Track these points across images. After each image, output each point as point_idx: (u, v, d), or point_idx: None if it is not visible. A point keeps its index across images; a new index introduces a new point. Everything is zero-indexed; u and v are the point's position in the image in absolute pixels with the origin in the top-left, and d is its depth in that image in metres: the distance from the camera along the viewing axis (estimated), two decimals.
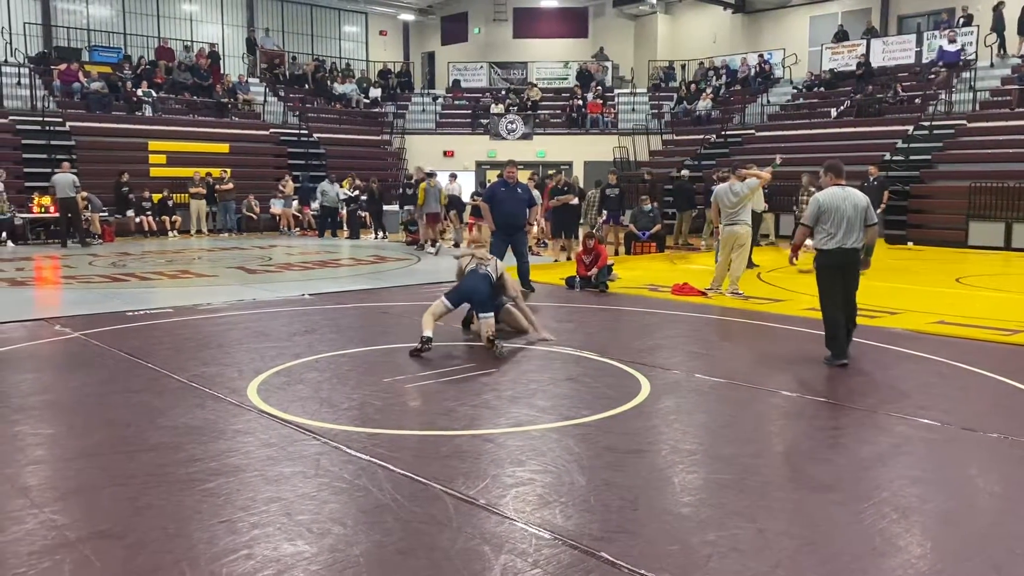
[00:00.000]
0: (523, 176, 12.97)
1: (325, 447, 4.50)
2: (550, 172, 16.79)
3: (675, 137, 25.96)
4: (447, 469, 4.16)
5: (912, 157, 19.90)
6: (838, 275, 6.68)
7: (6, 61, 22.20)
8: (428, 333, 6.87)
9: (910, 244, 17.92)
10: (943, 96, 21.30)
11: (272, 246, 17.50)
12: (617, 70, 29.87)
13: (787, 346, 7.54)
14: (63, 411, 5.31)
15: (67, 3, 25.69)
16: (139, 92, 22.36)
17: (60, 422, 5.06)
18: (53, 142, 20.05)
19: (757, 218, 13.41)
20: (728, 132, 24.54)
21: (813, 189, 14.90)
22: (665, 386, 5.92)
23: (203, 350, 7.04)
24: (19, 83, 21.29)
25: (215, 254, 15.77)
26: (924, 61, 23.06)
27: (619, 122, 26.83)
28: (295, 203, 21.56)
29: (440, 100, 28.79)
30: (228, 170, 21.10)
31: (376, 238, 19.50)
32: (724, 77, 27.12)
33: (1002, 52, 21.95)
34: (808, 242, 7.04)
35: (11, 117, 20.06)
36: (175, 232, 19.80)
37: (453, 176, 21.01)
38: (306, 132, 24.72)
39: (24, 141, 19.69)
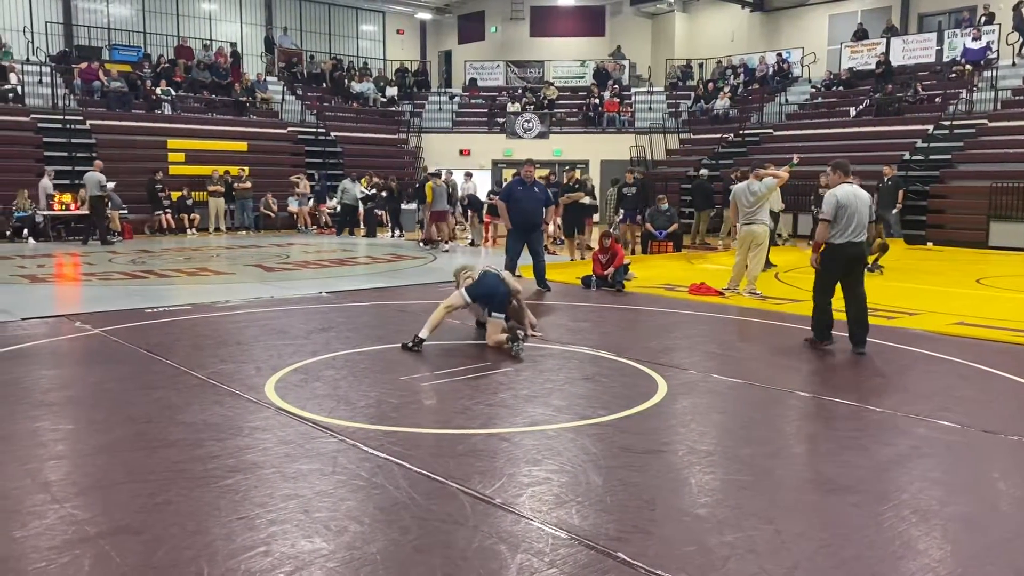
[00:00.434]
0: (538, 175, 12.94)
1: (342, 445, 4.52)
2: (566, 169, 16.76)
3: (692, 136, 25.86)
4: (463, 467, 4.17)
5: (932, 157, 19.74)
6: (843, 268, 7.10)
7: (28, 60, 22.44)
8: (424, 334, 6.90)
9: (929, 244, 17.77)
10: (964, 95, 21.09)
11: (289, 244, 17.58)
12: (634, 69, 29.79)
13: (804, 347, 7.48)
14: (83, 407, 5.36)
15: (88, 2, 25.92)
16: (158, 91, 22.52)
17: (80, 418, 5.11)
18: (74, 140, 20.24)
19: (774, 217, 13.34)
20: (746, 131, 24.43)
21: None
22: (682, 386, 5.90)
23: (221, 347, 7.08)
24: (40, 82, 21.50)
25: (233, 252, 15.87)
26: (945, 60, 22.85)
27: (636, 121, 26.77)
28: (311, 201, 21.66)
29: (457, 99, 28.83)
30: (246, 168, 21.23)
31: (393, 236, 19.55)
32: (742, 76, 27.00)
33: (1023, 51, 21.72)
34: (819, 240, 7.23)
35: (32, 115, 20.26)
36: (193, 230, 19.94)
37: (468, 175, 21.05)
38: (323, 131, 24.83)
39: (45, 139, 19.88)
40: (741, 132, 24.44)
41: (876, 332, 7.96)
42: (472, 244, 17.80)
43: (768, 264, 12.25)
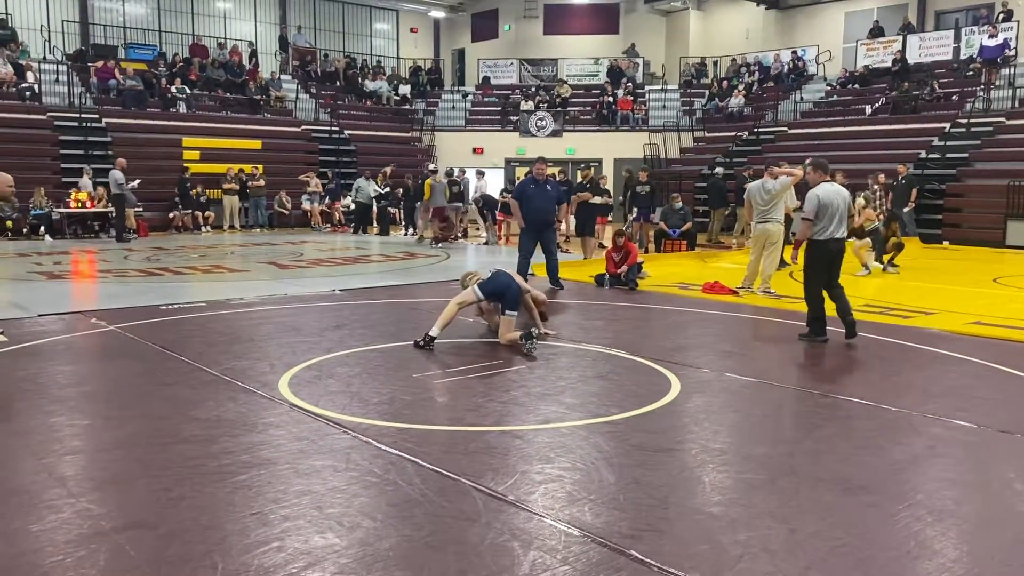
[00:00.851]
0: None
1: (355, 441, 4.53)
2: (580, 167, 16.72)
3: (706, 134, 25.77)
4: (476, 465, 4.17)
5: (949, 155, 19.59)
6: (827, 264, 7.44)
7: (44, 59, 22.61)
8: (435, 332, 6.91)
9: (946, 244, 17.64)
10: (981, 93, 20.91)
11: (303, 242, 17.64)
12: (648, 67, 29.70)
13: (818, 345, 7.44)
14: (99, 402, 5.40)
15: (104, 1, 26.09)
16: (173, 89, 22.64)
17: (96, 413, 5.14)
18: (90, 138, 20.38)
19: (789, 216, 13.25)
20: (760, 129, 24.32)
21: (876, 187, 14.77)
22: (695, 385, 5.88)
23: (235, 344, 7.12)
24: (57, 80, 21.65)
25: (247, 249, 15.94)
26: (962, 57, 22.66)
27: (650, 119, 26.68)
28: (323, 199, 21.72)
29: (470, 97, 28.83)
30: (260, 166, 21.32)
31: (406, 235, 19.58)
32: (756, 74, 26.87)
33: None
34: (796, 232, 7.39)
35: (49, 114, 20.42)
36: (208, 228, 20.04)
37: (481, 173, 21.07)
38: (337, 129, 24.89)
39: (62, 137, 20.03)
40: (756, 130, 24.33)
41: (892, 331, 7.93)
42: (487, 243, 17.82)
43: (783, 263, 12.18)
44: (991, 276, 12.48)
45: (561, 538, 3.35)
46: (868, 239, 12.52)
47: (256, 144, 22.54)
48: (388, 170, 20.79)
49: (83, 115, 20.73)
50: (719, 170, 19.54)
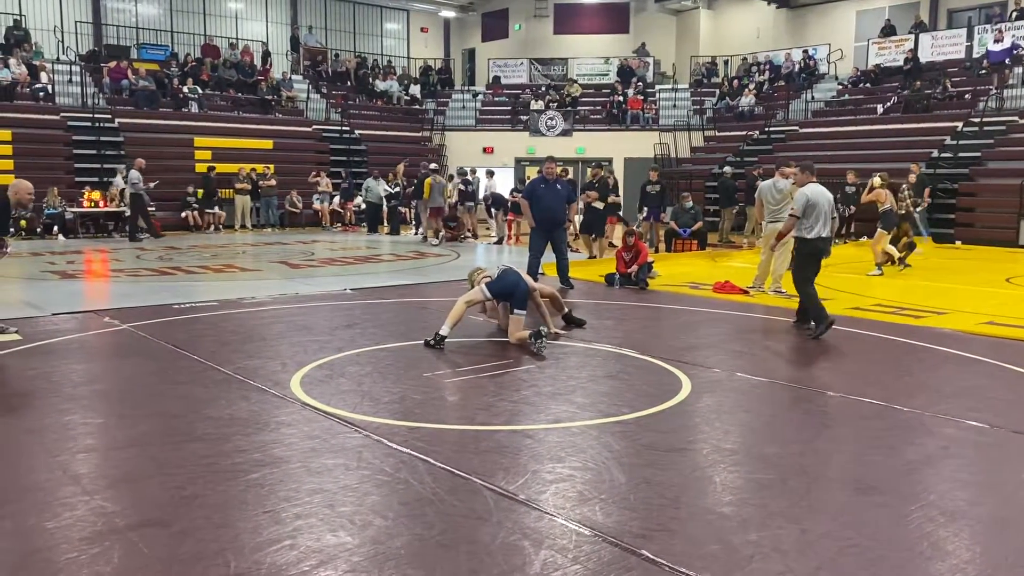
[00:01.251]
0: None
1: (367, 440, 4.54)
2: (591, 165, 16.69)
3: (717, 133, 25.70)
4: (487, 464, 4.18)
5: (961, 154, 19.47)
6: (816, 260, 7.89)
7: (58, 59, 22.75)
8: (445, 331, 6.92)
9: (958, 243, 17.54)
10: (994, 91, 20.78)
11: (314, 241, 17.69)
12: (658, 66, 29.64)
13: (830, 345, 7.42)
14: (112, 401, 5.44)
15: (117, 2, 26.23)
16: (185, 89, 22.73)
17: (109, 412, 5.17)
18: (103, 138, 20.49)
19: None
20: (771, 128, 24.23)
21: (904, 186, 14.71)
22: (706, 384, 5.87)
23: (247, 343, 7.15)
24: (70, 81, 21.78)
25: (258, 249, 16.00)
26: (975, 56, 22.53)
27: (660, 118, 26.63)
28: (334, 199, 21.78)
29: (480, 96, 28.84)
30: (271, 166, 21.39)
31: (416, 234, 19.61)
32: (767, 73, 26.77)
33: None
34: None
35: (63, 114, 20.54)
36: (219, 227, 20.12)
37: (491, 173, 21.08)
38: (348, 128, 24.95)
39: (75, 137, 20.15)
40: (767, 129, 24.25)
41: (904, 331, 7.90)
42: (498, 242, 17.83)
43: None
44: (1004, 276, 12.40)
45: (572, 538, 3.36)
46: (883, 230, 12.43)
47: (267, 144, 22.62)
48: (400, 168, 20.82)
49: (96, 115, 20.84)
50: (728, 169, 19.48)
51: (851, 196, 17.68)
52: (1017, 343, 7.44)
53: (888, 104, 22.59)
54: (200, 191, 20.12)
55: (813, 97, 24.85)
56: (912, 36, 23.82)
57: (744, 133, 24.60)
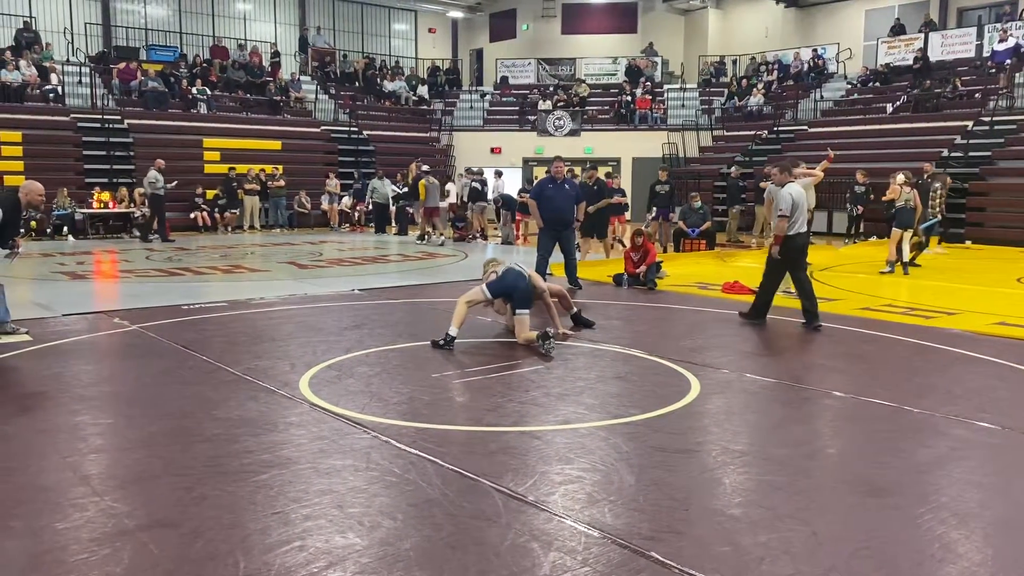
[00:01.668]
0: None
1: (375, 441, 4.55)
2: (587, 166, 16.65)
3: (725, 133, 25.64)
4: (496, 465, 4.17)
5: (971, 153, 19.37)
6: (794, 257, 8.11)
7: (68, 61, 22.85)
8: (453, 332, 6.92)
9: (968, 243, 17.45)
10: (1003, 91, 20.67)
11: (322, 242, 17.73)
12: (666, 65, 29.59)
13: (840, 346, 7.39)
14: (122, 402, 5.45)
15: (126, 4, 26.32)
16: (194, 90, 22.81)
17: (119, 412, 5.19)
18: (112, 139, 20.58)
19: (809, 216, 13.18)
20: (780, 128, 24.16)
21: (938, 185, 14.71)
22: (715, 385, 5.85)
23: (256, 343, 7.16)
24: (80, 82, 21.88)
25: (267, 249, 16.03)
26: (985, 54, 22.42)
27: (668, 118, 26.57)
28: (345, 199, 21.82)
29: (488, 97, 28.85)
30: (280, 167, 21.44)
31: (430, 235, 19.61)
32: (776, 72, 26.69)
33: None
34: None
35: (72, 115, 20.64)
36: (228, 228, 20.17)
37: (499, 173, 21.08)
38: (356, 129, 24.99)
39: (84, 138, 20.24)
40: (775, 129, 24.18)
41: (914, 332, 7.86)
42: (505, 242, 17.82)
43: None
44: (1015, 276, 12.33)
45: (581, 539, 3.35)
46: (898, 228, 12.40)
47: (276, 145, 22.67)
48: (413, 167, 20.83)
49: (105, 116, 20.93)
50: (735, 168, 19.44)
51: (860, 196, 17.63)
52: None
53: (898, 103, 22.49)
54: (209, 191, 20.17)
55: (822, 96, 24.77)
56: (922, 35, 23.72)
57: (753, 133, 24.54)
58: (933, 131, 20.59)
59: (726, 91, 26.98)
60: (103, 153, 20.25)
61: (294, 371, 6.12)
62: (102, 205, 18.49)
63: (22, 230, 9.95)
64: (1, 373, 6.16)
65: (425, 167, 19.01)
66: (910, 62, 23.38)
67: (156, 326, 7.80)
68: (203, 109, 22.75)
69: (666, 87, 28.13)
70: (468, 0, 31.45)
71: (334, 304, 9.37)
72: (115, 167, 20.06)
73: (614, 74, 29.18)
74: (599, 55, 29.88)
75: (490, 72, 31.32)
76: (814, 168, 10.51)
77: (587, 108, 27.17)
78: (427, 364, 6.41)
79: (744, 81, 26.82)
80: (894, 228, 12.49)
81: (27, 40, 22.08)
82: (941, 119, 20.99)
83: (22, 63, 20.74)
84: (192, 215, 19.80)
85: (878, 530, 3.47)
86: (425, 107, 27.85)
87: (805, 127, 23.65)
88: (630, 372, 6.27)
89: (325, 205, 21.54)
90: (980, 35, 22.93)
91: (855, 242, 17.48)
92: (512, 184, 21.65)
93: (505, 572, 3.07)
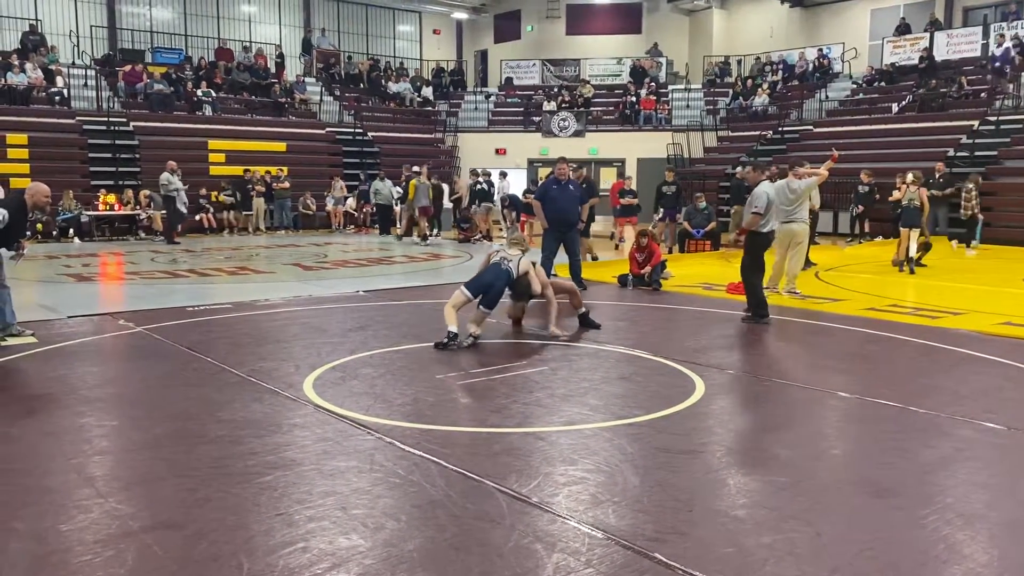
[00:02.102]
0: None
1: (379, 442, 4.55)
2: (573, 167, 16.61)
3: (730, 133, 25.59)
4: (500, 466, 4.17)
5: (978, 153, 19.31)
6: (758, 253, 8.42)
7: (73, 63, 22.90)
8: (453, 328, 6.97)
9: (974, 243, 17.37)
10: (1011, 89, 20.60)
11: (327, 243, 17.75)
12: (671, 66, 29.55)
13: (845, 347, 7.37)
14: (127, 403, 5.47)
15: (131, 6, 26.39)
16: (199, 92, 22.85)
17: (124, 414, 5.20)
18: (117, 142, 20.63)
19: (813, 216, 13.16)
20: (785, 128, 24.11)
21: (971, 186, 14.68)
22: (720, 386, 5.84)
23: (261, 345, 7.17)
24: (86, 85, 21.93)
25: (272, 251, 16.06)
26: (990, 54, 22.35)
27: (673, 118, 26.54)
28: (350, 201, 21.84)
29: (493, 98, 28.84)
30: (285, 168, 21.47)
31: (430, 235, 19.61)
32: (781, 72, 26.64)
33: None
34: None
35: (78, 117, 20.68)
36: (235, 229, 20.19)
37: (504, 174, 21.07)
38: (361, 131, 25.01)
39: (90, 141, 20.29)
40: (780, 129, 24.13)
41: (920, 332, 7.83)
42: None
43: (808, 263, 12.09)
44: (1021, 276, 12.28)
45: (585, 540, 3.35)
46: (904, 227, 12.38)
47: (281, 146, 22.70)
48: (424, 170, 20.81)
49: (111, 119, 20.98)
50: (738, 170, 19.40)
51: (862, 195, 17.63)
52: None
53: (903, 103, 22.42)
54: (214, 193, 20.19)
55: (827, 96, 24.70)
56: (927, 34, 23.65)
57: (758, 133, 24.49)
58: (939, 131, 20.52)
59: (731, 91, 26.94)
60: (109, 155, 20.29)
61: (298, 373, 6.12)
62: (108, 207, 18.52)
63: (27, 232, 9.97)
64: (7, 375, 6.18)
65: (415, 168, 19.11)
66: (916, 62, 23.31)
67: (161, 328, 7.82)
68: (208, 111, 22.79)
69: (671, 87, 28.09)
70: (472, 1, 31.45)
71: (338, 306, 9.38)
72: (120, 169, 20.09)
73: (619, 75, 29.15)
74: (603, 56, 29.86)
75: (495, 73, 31.33)
76: (818, 168, 10.49)
77: (592, 109, 27.15)
78: (431, 365, 6.41)
79: (749, 81, 26.77)
80: (901, 228, 12.47)
81: (33, 43, 22.14)
82: (947, 119, 20.92)
83: (28, 66, 20.80)
84: (197, 217, 19.82)
85: (883, 531, 3.46)
86: (430, 108, 27.86)
87: (810, 127, 23.59)
88: (634, 373, 6.27)
89: (330, 207, 21.55)
90: (986, 34, 22.86)
91: (860, 242, 17.44)
92: (516, 185, 21.63)
93: (508, 573, 3.07)
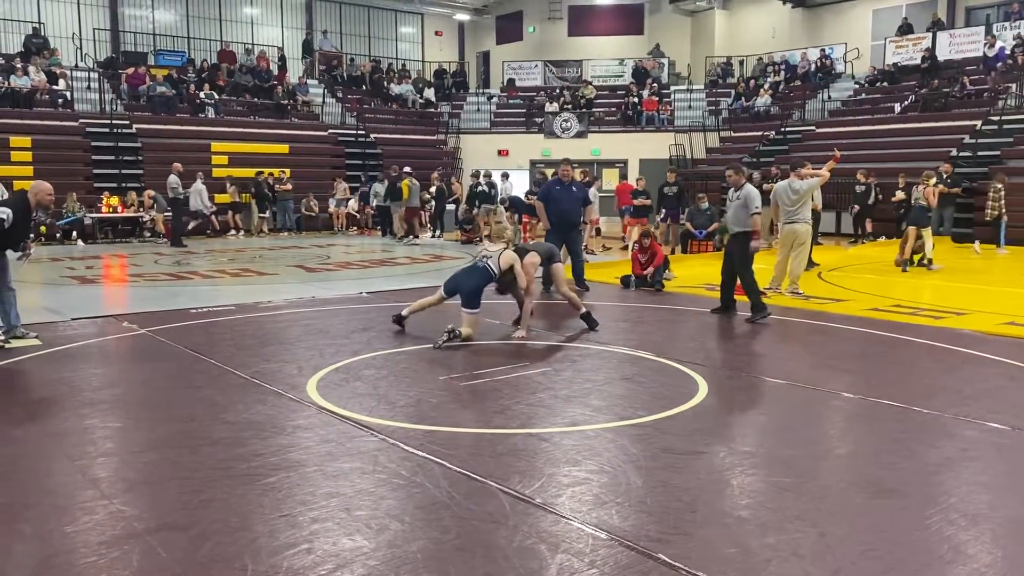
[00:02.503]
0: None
1: (383, 444, 4.55)
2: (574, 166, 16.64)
3: (733, 134, 25.59)
4: (503, 467, 4.17)
5: (980, 153, 19.28)
6: (747, 251, 8.63)
7: (76, 66, 22.96)
8: (450, 326, 7.11)
9: (977, 243, 17.33)
10: (1013, 89, 20.57)
11: (330, 245, 17.76)
12: (673, 67, 29.56)
13: (848, 347, 7.37)
14: (131, 405, 5.48)
15: (134, 9, 26.44)
16: (202, 95, 22.89)
17: (128, 416, 5.21)
18: (120, 144, 20.67)
19: (816, 216, 13.16)
20: (787, 128, 24.11)
21: (1000, 186, 14.71)
22: (723, 387, 5.84)
23: (264, 347, 7.18)
24: (89, 87, 21.98)
25: (275, 253, 16.07)
26: (982, 54, 22.34)
27: (675, 119, 26.54)
28: (352, 202, 21.86)
29: (495, 99, 28.86)
30: (287, 170, 21.50)
31: (432, 236, 19.65)
32: (783, 72, 26.63)
33: None
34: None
35: (81, 120, 20.73)
36: (237, 231, 20.21)
37: (506, 175, 21.08)
38: (363, 132, 25.03)
39: (93, 143, 20.33)
40: (783, 129, 24.12)
41: (923, 332, 7.82)
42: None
43: (811, 263, 12.08)
44: None
45: (588, 541, 3.35)
46: (911, 226, 12.39)
47: (283, 148, 22.72)
48: (435, 176, 20.79)
49: (114, 121, 21.03)
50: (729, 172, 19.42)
51: (858, 195, 17.68)
52: None
53: (906, 103, 22.41)
54: (217, 196, 20.20)
55: (830, 96, 24.70)
56: (929, 34, 23.63)
57: (760, 133, 24.48)
58: (942, 131, 20.50)
59: (733, 92, 26.94)
60: (112, 158, 20.33)
61: (302, 374, 6.13)
62: (111, 210, 18.56)
63: (32, 235, 10.00)
64: (11, 377, 6.19)
65: (407, 168, 19.18)
66: (918, 61, 23.30)
67: (165, 330, 7.83)
68: (211, 113, 22.83)
69: (673, 88, 28.09)
70: (475, 3, 31.48)
71: (341, 307, 9.39)
72: (124, 172, 20.14)
73: (621, 75, 29.16)
74: (606, 57, 29.87)
75: (497, 74, 31.35)
76: (820, 168, 10.50)
77: (594, 110, 27.16)
78: (434, 367, 6.41)
79: (751, 82, 26.77)
80: (908, 227, 12.47)
81: (36, 46, 22.20)
82: (950, 118, 20.90)
83: (31, 69, 20.85)
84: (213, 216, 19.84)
85: (887, 531, 3.46)
86: (432, 110, 27.88)
87: (813, 127, 23.58)
88: (637, 374, 6.26)
89: (332, 208, 21.57)
90: (988, 34, 22.84)
91: (862, 242, 17.43)
92: (519, 187, 21.63)
93: (512, 574, 3.07)
